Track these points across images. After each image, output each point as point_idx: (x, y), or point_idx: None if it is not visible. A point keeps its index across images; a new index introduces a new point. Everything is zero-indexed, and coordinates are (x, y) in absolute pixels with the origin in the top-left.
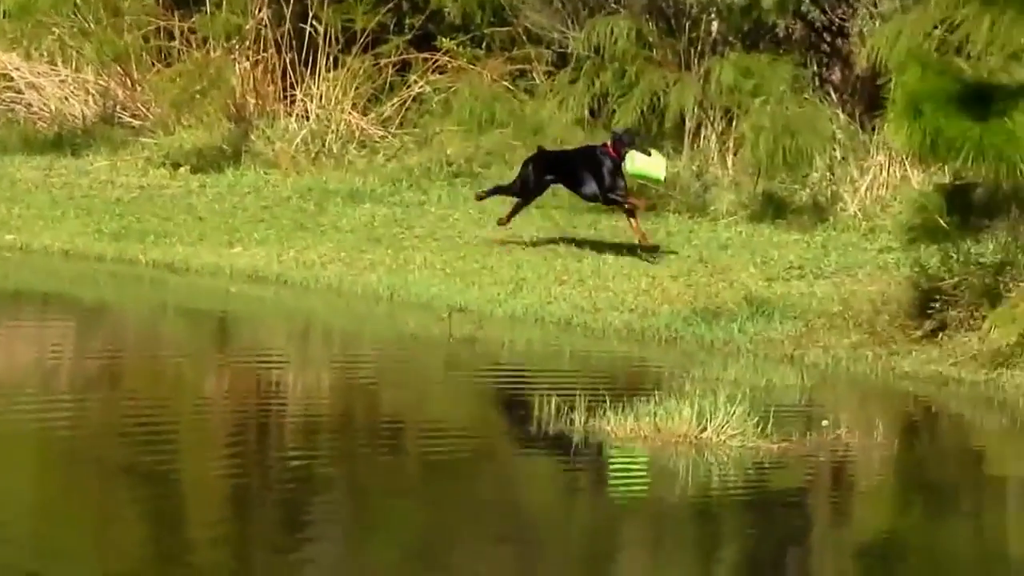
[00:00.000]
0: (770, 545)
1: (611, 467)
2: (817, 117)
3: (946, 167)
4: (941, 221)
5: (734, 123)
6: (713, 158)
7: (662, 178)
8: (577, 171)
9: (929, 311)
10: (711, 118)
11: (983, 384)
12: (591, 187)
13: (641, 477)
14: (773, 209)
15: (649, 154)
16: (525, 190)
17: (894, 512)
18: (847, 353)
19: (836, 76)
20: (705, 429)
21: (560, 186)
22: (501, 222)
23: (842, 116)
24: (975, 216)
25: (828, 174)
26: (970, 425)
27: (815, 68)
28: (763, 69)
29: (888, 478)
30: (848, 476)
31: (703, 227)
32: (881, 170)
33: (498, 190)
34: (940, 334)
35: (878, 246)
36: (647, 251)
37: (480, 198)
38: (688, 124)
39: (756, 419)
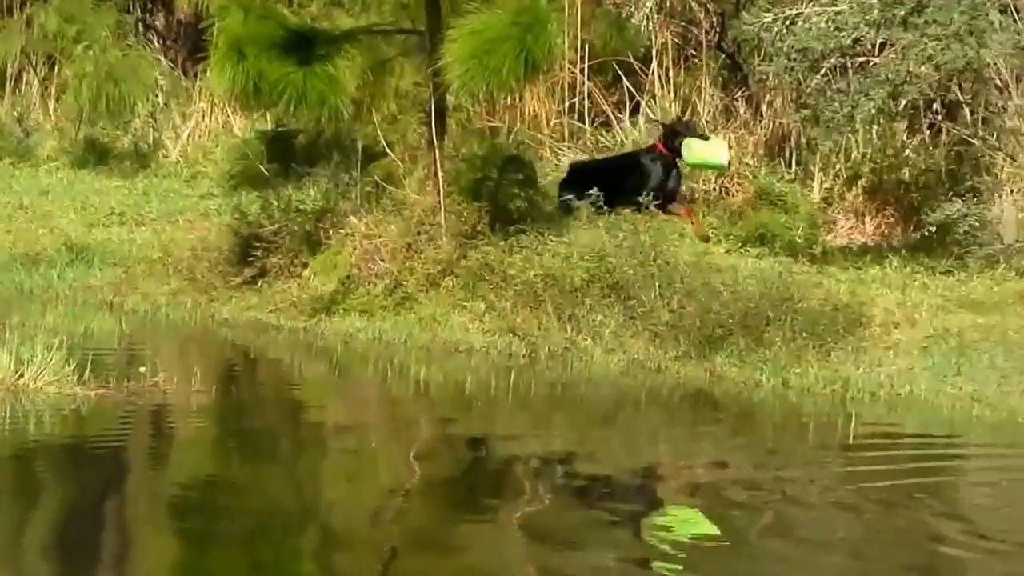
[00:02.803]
0: (85, 492)
1: None
2: (140, 63)
3: (269, 114)
4: (262, 168)
5: (57, 69)
6: (35, 104)
7: (726, 163)
8: (621, 182)
9: (250, 258)
10: (34, 64)
11: (303, 330)
12: (639, 197)
13: None
14: (95, 155)
15: (707, 138)
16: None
17: (210, 456)
18: (166, 300)
19: (160, 22)
20: (22, 375)
21: None
22: None
23: (165, 62)
24: (296, 163)
25: (150, 120)
26: (288, 371)
27: (139, 14)
28: (86, 15)
29: (205, 423)
30: (165, 422)
31: (24, 173)
32: (204, 116)
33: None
34: (260, 281)
35: (199, 192)
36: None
37: None
38: (10, 70)
39: (74, 366)
